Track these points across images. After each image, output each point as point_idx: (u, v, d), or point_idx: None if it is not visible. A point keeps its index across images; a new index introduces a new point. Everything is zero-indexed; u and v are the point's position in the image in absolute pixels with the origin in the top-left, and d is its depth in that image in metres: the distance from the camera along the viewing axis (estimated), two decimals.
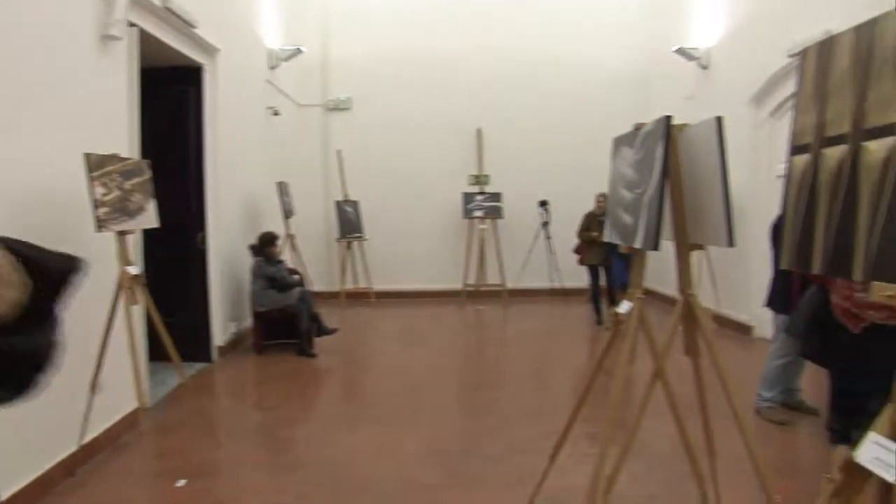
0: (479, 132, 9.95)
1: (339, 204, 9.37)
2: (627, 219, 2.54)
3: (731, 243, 2.22)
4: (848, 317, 3.78)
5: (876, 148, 1.17)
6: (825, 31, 5.50)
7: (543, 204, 9.55)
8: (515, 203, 9.78)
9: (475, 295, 9.74)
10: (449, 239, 10.02)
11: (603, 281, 8.17)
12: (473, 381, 6.18)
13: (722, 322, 7.72)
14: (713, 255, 7.60)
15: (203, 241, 6.08)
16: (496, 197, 9.72)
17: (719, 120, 2.27)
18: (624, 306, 2.50)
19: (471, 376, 6.41)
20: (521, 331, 8.40)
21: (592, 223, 7.95)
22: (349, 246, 9.51)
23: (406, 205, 9.98)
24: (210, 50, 6.03)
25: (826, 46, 1.40)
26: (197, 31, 5.52)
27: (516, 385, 5.86)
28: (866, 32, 1.28)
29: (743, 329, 7.28)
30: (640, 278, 2.52)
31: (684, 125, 2.54)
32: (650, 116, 2.72)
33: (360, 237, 9.55)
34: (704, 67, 8.51)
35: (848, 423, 3.79)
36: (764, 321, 5.98)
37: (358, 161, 9.64)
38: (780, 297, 4.59)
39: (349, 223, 9.40)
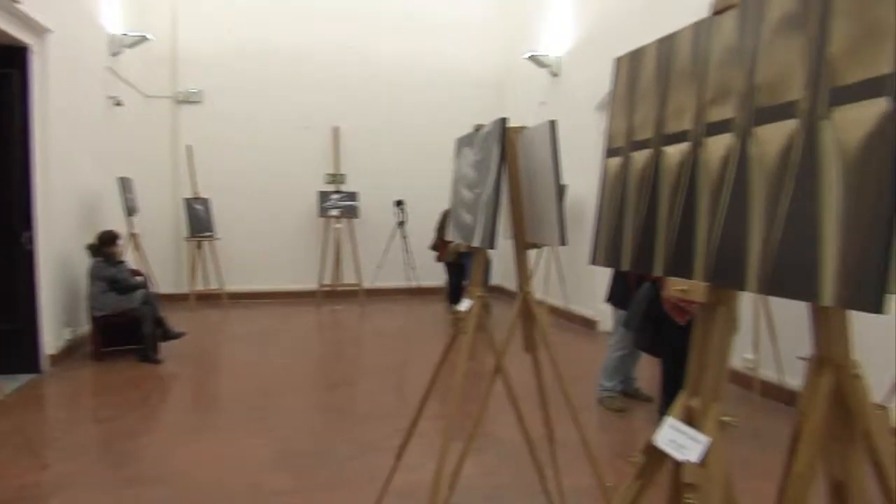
0: (335, 130, 9.83)
1: (188, 202, 8.92)
2: (468, 218, 2.59)
3: (562, 242, 2.32)
4: (675, 310, 4.08)
5: (672, 152, 1.26)
6: None
7: (399, 203, 9.60)
8: (372, 202, 9.76)
9: (331, 295, 9.62)
10: (304, 238, 9.82)
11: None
12: (328, 382, 6.09)
13: (570, 318, 8.12)
14: (561, 253, 7.97)
15: (30, 241, 5.57)
16: (352, 196, 9.64)
17: (552, 123, 2.36)
18: (464, 304, 2.55)
19: (325, 377, 6.31)
20: (377, 330, 8.39)
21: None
22: (199, 246, 9.08)
23: (260, 203, 9.64)
24: (38, 29, 5.52)
25: (636, 57, 1.49)
26: (20, 6, 5.04)
27: (371, 384, 5.84)
28: (667, 45, 1.37)
29: (589, 324, 7.67)
30: (480, 277, 2.57)
31: (522, 127, 2.63)
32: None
33: (210, 236, 9.14)
34: (555, 75, 8.89)
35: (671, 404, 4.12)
36: (606, 316, 6.34)
37: (209, 157, 9.21)
38: (619, 293, 4.89)
39: (199, 222, 8.98)
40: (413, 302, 9.68)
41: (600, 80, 7.66)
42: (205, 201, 9.11)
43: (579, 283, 7.83)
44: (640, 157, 1.38)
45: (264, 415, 4.81)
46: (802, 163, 0.97)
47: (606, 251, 1.46)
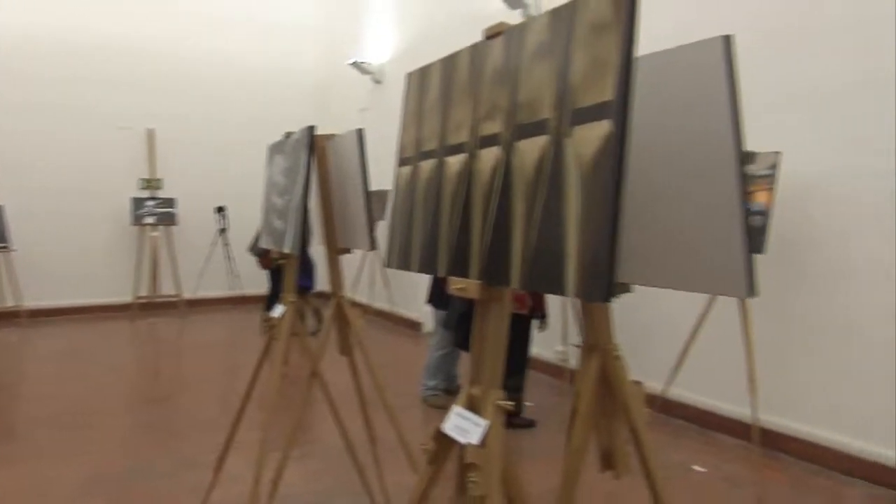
0: (150, 132, 9.27)
1: None
2: (279, 224, 2.59)
3: (372, 247, 2.40)
4: None
5: (452, 162, 1.38)
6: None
7: (221, 210, 9.26)
8: (191, 209, 9.31)
9: (148, 307, 9.06)
10: (116, 248, 9.15)
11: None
12: (145, 398, 5.74)
13: (396, 320, 8.28)
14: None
15: None
16: (169, 202, 9.15)
17: (360, 132, 2.44)
18: (277, 310, 2.55)
19: (142, 393, 5.95)
20: (198, 342, 8.03)
21: None
22: None
23: (64, 210, 8.76)
24: None
25: (424, 73, 1.59)
26: None
27: (191, 398, 5.59)
28: (449, 64, 1.48)
29: (414, 326, 7.87)
30: (292, 283, 2.59)
31: (332, 135, 2.68)
32: (327, 128, 2.83)
33: (5, 248, 8.27)
34: (378, 82, 9.03)
35: None
36: (430, 318, 6.55)
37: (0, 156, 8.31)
38: (438, 294, 5.08)
39: None
40: (237, 311, 9.36)
41: None
42: None
43: (404, 287, 8.02)
44: (427, 166, 1.48)
45: (73, 439, 4.46)
46: (552, 173, 1.11)
47: (399, 254, 1.55)
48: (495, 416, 1.27)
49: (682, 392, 4.55)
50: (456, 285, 1.29)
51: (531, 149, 1.16)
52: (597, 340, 1.53)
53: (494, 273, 1.22)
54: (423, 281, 6.92)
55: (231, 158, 9.61)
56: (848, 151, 3.75)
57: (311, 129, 2.40)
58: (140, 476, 3.84)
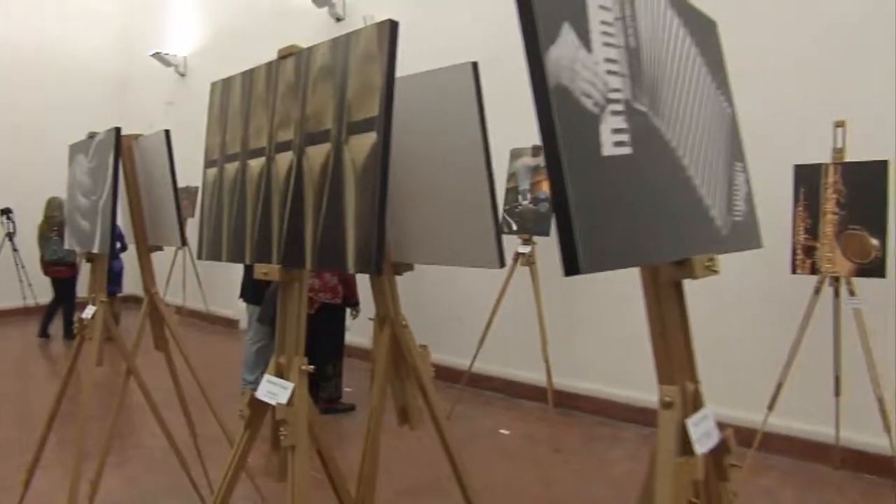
0: None
1: None
2: (85, 225, 2.64)
3: (183, 243, 2.54)
4: None
5: (254, 164, 1.61)
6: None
7: (6, 212, 8.51)
8: None
9: None
10: None
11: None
12: None
13: (212, 320, 8.18)
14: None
15: None
16: None
17: (167, 133, 2.55)
18: (88, 311, 2.60)
19: None
20: None
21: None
22: None
23: None
24: None
25: (227, 84, 1.80)
26: None
27: None
28: (249, 77, 1.70)
29: (231, 323, 7.84)
30: (102, 283, 2.65)
31: (138, 135, 2.76)
32: (129, 119, 2.87)
33: None
34: (182, 75, 8.80)
35: (311, 386, 4.58)
36: (244, 314, 6.59)
37: None
38: (251, 289, 5.19)
39: None
40: (32, 322, 8.70)
41: None
42: None
43: (218, 286, 7.94)
44: (231, 167, 1.69)
45: None
46: (333, 174, 1.37)
47: (209, 247, 1.75)
48: (300, 378, 1.52)
49: (488, 366, 5.04)
50: (261, 270, 1.52)
51: (318, 154, 1.42)
52: (386, 312, 1.82)
53: (292, 258, 1.47)
54: (236, 277, 6.94)
55: (19, 156, 8.87)
56: None
57: (117, 130, 2.48)
58: None
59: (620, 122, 0.93)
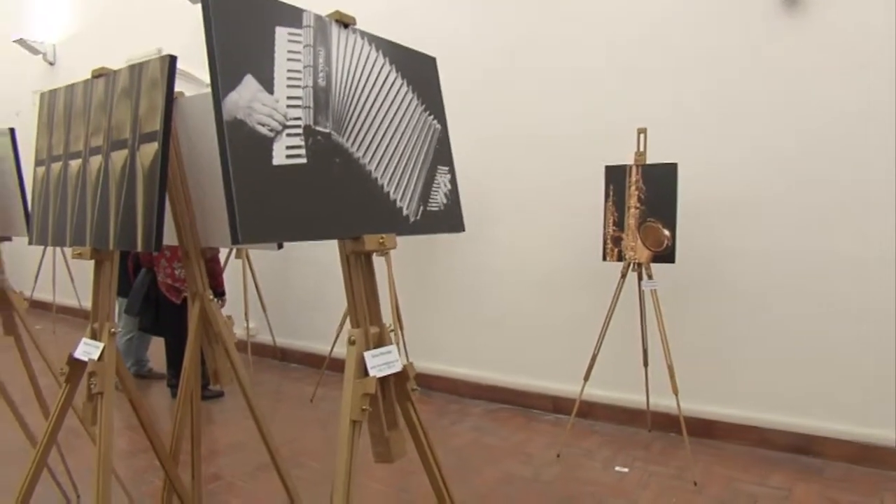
0: None
1: None
2: None
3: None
4: (171, 291, 4.88)
5: (73, 164, 2.03)
6: (158, 48, 6.61)
7: None
8: None
9: None
10: None
11: None
12: None
13: (84, 315, 8.32)
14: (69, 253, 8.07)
15: None
16: None
17: (12, 131, 2.90)
18: None
19: None
20: None
21: None
22: None
23: None
24: None
25: (53, 95, 2.20)
26: None
27: None
28: (70, 91, 2.11)
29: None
30: None
31: None
32: None
33: None
34: (51, 63, 8.82)
35: (180, 374, 4.93)
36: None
37: None
38: (119, 281, 5.46)
39: None
40: None
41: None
42: None
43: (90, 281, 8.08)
44: (56, 166, 2.10)
45: None
46: (129, 175, 1.82)
47: (38, 234, 2.16)
48: (109, 339, 1.96)
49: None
50: (76, 251, 1.94)
51: (119, 158, 1.87)
52: (197, 289, 2.28)
53: (101, 240, 1.90)
54: None
55: None
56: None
57: None
58: None
59: (297, 141, 1.43)
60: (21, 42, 8.62)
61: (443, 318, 5.25)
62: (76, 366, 1.99)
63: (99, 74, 1.99)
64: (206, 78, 1.40)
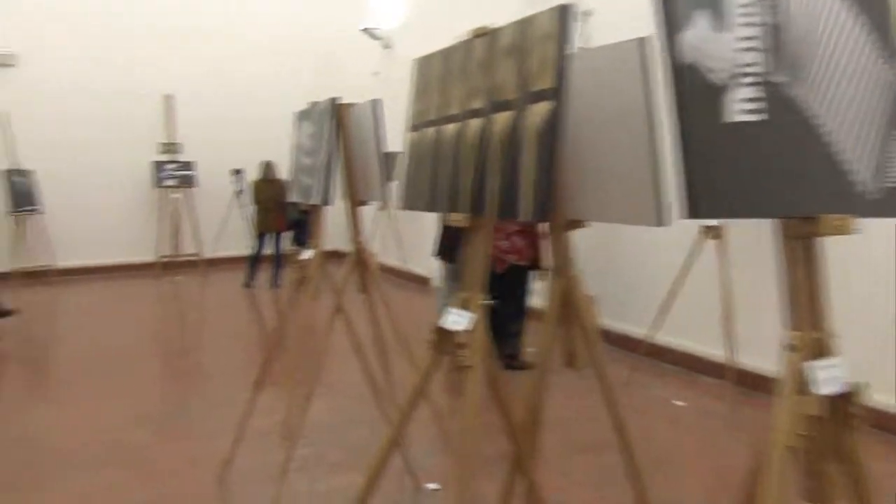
0: (169, 98, 9.80)
1: (7, 174, 8.59)
2: (307, 180, 3.14)
3: (385, 200, 2.96)
4: (495, 261, 4.88)
5: (449, 128, 1.92)
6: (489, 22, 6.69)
7: (237, 172, 9.75)
8: (209, 172, 9.86)
9: (170, 266, 9.70)
10: (139, 210, 9.78)
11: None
12: (173, 348, 6.39)
13: (407, 277, 8.88)
14: (399, 216, 8.65)
15: None
16: (188, 165, 9.72)
17: (374, 102, 2.96)
18: (306, 253, 3.11)
19: (170, 344, 6.60)
20: (217, 298, 8.66)
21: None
22: (18, 221, 8.76)
23: (89, 174, 9.40)
24: None
25: (427, 60, 2.13)
26: None
27: (215, 347, 6.22)
28: (445, 53, 2.01)
29: (423, 281, 8.47)
30: (320, 229, 3.15)
31: (352, 104, 3.20)
32: (337, 91, 3.34)
33: (34, 210, 8.88)
34: (388, 47, 9.49)
35: (497, 340, 4.94)
36: (437, 272, 7.13)
37: (29, 125, 8.85)
38: (447, 248, 5.62)
39: (22, 195, 8.68)
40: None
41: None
42: (27, 173, 8.81)
43: (412, 244, 8.59)
44: (430, 131, 2.02)
45: (113, 383, 5.07)
46: (515, 136, 1.64)
47: (409, 199, 2.10)
48: (480, 310, 1.82)
49: (667, 337, 5.09)
50: (454, 218, 1.84)
51: (502, 120, 1.70)
52: (560, 264, 2.07)
53: (478, 208, 1.76)
54: (430, 236, 7.46)
55: (245, 122, 10.08)
56: None
57: (333, 100, 2.93)
58: (179, 414, 4.46)
59: (752, 93, 1.10)
60: (366, 31, 9.38)
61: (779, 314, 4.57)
62: (443, 336, 1.89)
63: (479, 34, 1.85)
64: None
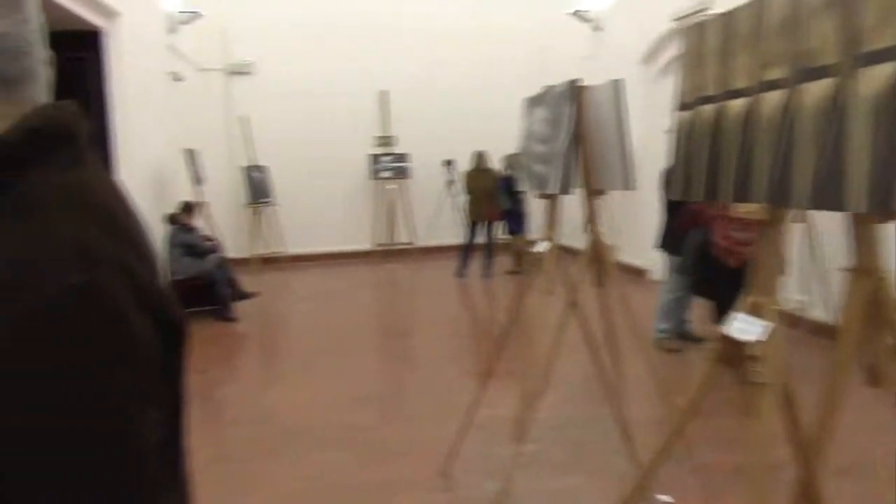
0: (384, 94, 10.19)
1: (246, 170, 9.41)
2: (541, 169, 2.96)
3: (629, 187, 2.70)
4: (727, 254, 4.42)
5: (734, 105, 1.63)
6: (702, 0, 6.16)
7: (449, 163, 9.92)
8: (422, 163, 10.14)
9: (386, 254, 10.11)
10: (358, 200, 10.30)
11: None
12: (391, 333, 6.59)
13: (621, 268, 8.47)
14: (613, 204, 8.27)
15: None
16: (403, 157, 10.04)
17: (616, 83, 2.71)
18: (541, 245, 2.94)
19: (388, 328, 6.82)
20: (431, 285, 8.85)
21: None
22: (256, 212, 9.57)
23: (315, 168, 10.12)
24: (109, 13, 5.96)
25: (700, 28, 1.84)
26: None
27: (430, 333, 6.31)
28: (727, 18, 1.72)
29: (639, 273, 8.04)
30: (555, 220, 2.96)
31: (590, 86, 2.97)
32: (547, 77, 3.15)
33: (268, 202, 9.66)
34: (598, 29, 9.12)
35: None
36: (656, 265, 6.68)
37: (265, 126, 9.68)
38: (669, 239, 5.22)
39: (258, 189, 9.48)
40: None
41: (643, 34, 7.96)
42: (262, 169, 9.60)
43: (628, 235, 8.17)
44: (708, 109, 1.74)
45: (337, 364, 5.31)
46: (837, 110, 1.33)
47: (683, 187, 1.83)
48: (774, 317, 1.53)
49: None
50: (743, 210, 1.55)
51: (817, 90, 1.38)
52: (868, 264, 1.70)
53: (779, 197, 1.47)
54: (646, 228, 7.04)
55: (455, 114, 10.26)
56: None
57: (573, 82, 2.72)
58: (402, 397, 4.53)
59: None
60: (576, 14, 9.08)
61: None
62: (729, 345, 1.62)
63: None
64: None
